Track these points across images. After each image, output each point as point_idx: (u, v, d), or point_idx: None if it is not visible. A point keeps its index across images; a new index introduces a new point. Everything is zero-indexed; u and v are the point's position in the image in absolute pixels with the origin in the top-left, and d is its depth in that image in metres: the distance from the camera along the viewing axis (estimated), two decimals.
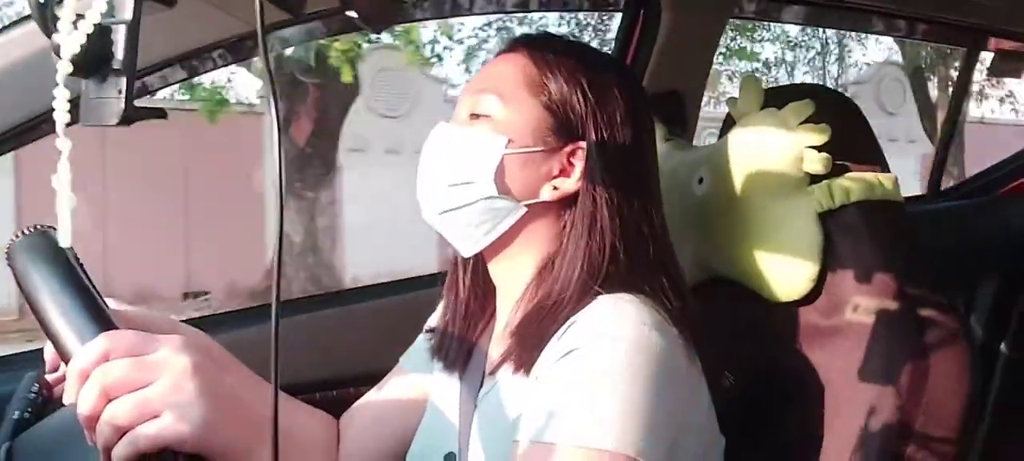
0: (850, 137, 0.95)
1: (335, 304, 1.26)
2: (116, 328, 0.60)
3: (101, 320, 0.61)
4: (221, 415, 0.58)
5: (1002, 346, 1.80)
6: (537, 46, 0.85)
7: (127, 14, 0.42)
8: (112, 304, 0.84)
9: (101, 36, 0.40)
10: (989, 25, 1.69)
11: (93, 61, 0.40)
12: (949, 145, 1.89)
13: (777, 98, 0.96)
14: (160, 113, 0.44)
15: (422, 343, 0.97)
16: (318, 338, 1.21)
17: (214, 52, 0.89)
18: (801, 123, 0.91)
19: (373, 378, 1.01)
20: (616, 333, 0.72)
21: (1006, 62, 1.80)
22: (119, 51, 0.40)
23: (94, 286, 0.67)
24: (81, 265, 0.66)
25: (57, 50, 0.40)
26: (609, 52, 0.98)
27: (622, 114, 0.83)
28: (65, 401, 0.59)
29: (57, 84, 0.40)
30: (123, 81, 0.40)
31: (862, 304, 0.89)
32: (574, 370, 0.72)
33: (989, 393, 1.79)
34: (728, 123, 1.03)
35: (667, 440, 0.73)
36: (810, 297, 0.93)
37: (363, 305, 1.26)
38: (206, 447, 0.57)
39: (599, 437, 0.69)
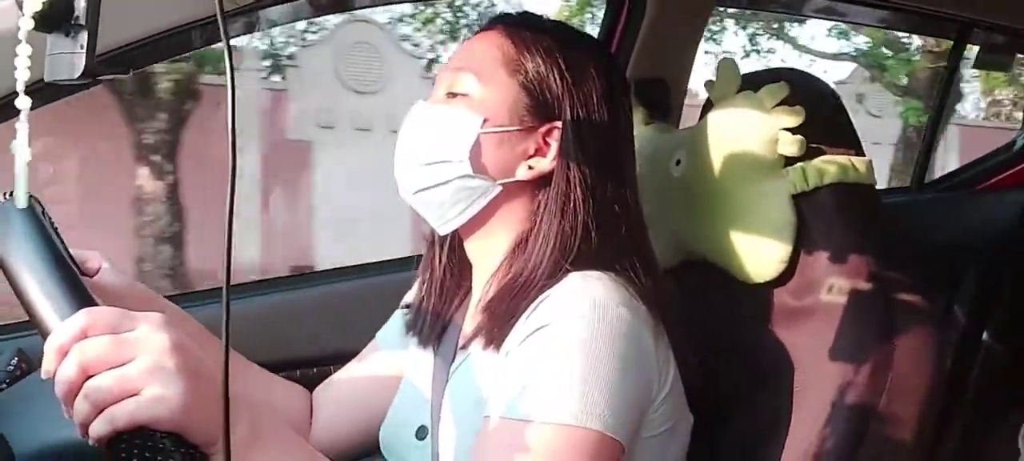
0: (825, 120, 0.96)
1: (314, 284, 1.27)
2: (95, 303, 0.61)
3: (80, 295, 0.60)
4: (199, 394, 0.58)
5: (984, 336, 1.82)
6: (515, 25, 0.86)
7: None
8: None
9: None
10: (974, 17, 1.70)
11: (56, 16, 0.41)
12: (935, 138, 1.90)
13: (754, 82, 0.97)
14: (123, 70, 0.44)
15: (398, 319, 0.98)
16: (297, 317, 1.22)
17: (180, 34, 0.89)
18: (776, 106, 0.92)
19: (351, 356, 1.02)
20: (584, 310, 0.73)
21: (991, 56, 1.81)
22: (81, 5, 0.40)
23: (72, 257, 0.67)
24: (59, 235, 0.67)
25: (20, 4, 0.40)
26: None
27: (598, 95, 0.83)
28: (43, 375, 0.59)
29: (19, 40, 0.41)
30: (85, 36, 0.41)
31: (834, 285, 0.90)
32: (543, 346, 0.73)
33: (968, 384, 1.80)
34: (707, 106, 1.04)
35: (634, 415, 0.74)
36: (783, 278, 0.94)
37: (342, 285, 1.27)
38: (184, 425, 0.57)
39: (567, 412, 0.70)
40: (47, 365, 0.58)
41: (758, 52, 7.81)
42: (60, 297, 0.60)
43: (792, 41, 7.92)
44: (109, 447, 0.57)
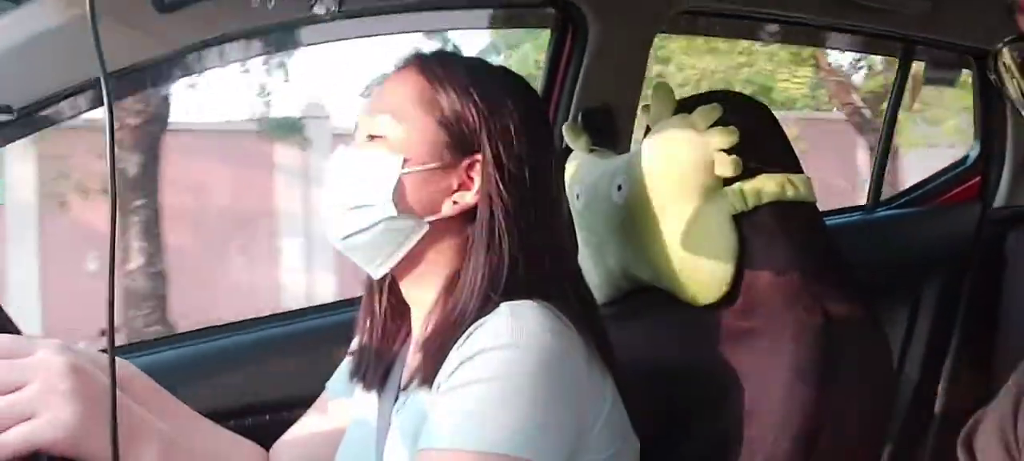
0: (762, 139, 0.97)
1: (265, 327, 1.25)
2: None
3: None
4: (97, 418, 0.57)
5: (949, 349, 1.82)
6: (428, 63, 0.86)
7: None
8: None
9: None
10: (918, 35, 1.73)
11: None
12: (887, 155, 1.92)
13: (690, 104, 0.97)
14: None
15: (345, 367, 0.96)
16: (246, 362, 1.20)
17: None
18: (710, 126, 0.93)
19: (304, 402, 1.01)
20: (512, 339, 0.73)
21: (937, 72, 1.84)
22: None
23: None
24: None
25: None
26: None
27: (516, 125, 0.83)
28: None
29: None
30: None
31: (775, 304, 0.90)
32: (470, 377, 0.73)
33: (937, 397, 1.81)
34: (646, 130, 1.04)
35: (567, 441, 0.74)
36: (728, 299, 0.94)
37: (289, 327, 1.26)
38: (79, 450, 0.57)
39: (494, 441, 0.70)
40: None
41: None
42: None
43: None
44: None
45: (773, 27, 1.72)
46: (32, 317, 5.95)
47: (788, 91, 7.56)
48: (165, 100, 5.31)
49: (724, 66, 7.23)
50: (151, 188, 5.19)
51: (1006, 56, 0.64)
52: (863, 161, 7.47)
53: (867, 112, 6.92)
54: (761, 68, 7.36)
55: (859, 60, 7.03)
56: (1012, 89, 0.64)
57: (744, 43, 6.78)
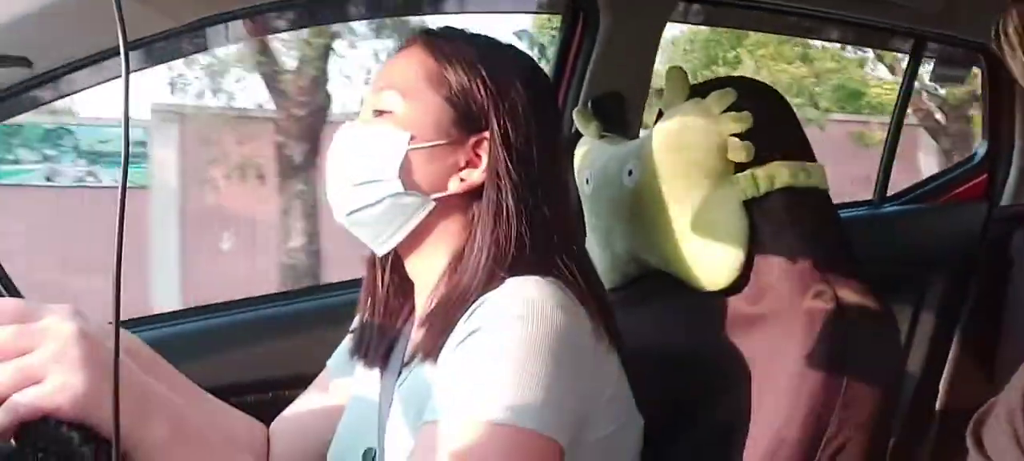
0: (775, 125, 0.96)
1: (267, 306, 1.25)
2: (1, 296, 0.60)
3: None
4: (106, 384, 0.57)
5: (952, 344, 1.82)
6: (435, 40, 0.85)
7: None
8: None
9: None
10: (928, 31, 1.73)
11: None
12: (895, 150, 1.91)
13: (704, 89, 0.97)
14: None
15: (346, 345, 0.96)
16: (249, 340, 1.20)
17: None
18: (724, 111, 0.92)
19: (305, 380, 1.01)
20: (518, 311, 0.73)
21: (946, 69, 1.84)
22: None
23: None
24: None
25: None
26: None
27: (524, 103, 0.83)
28: None
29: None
30: None
31: (785, 290, 0.90)
32: (476, 349, 0.73)
33: (938, 392, 1.81)
34: (659, 115, 1.04)
35: (573, 415, 0.74)
36: (737, 285, 0.93)
37: (294, 306, 1.26)
38: (90, 415, 0.57)
39: (499, 411, 0.69)
40: None
41: None
42: None
43: None
44: (17, 441, 0.56)
45: (782, 17, 1.71)
46: (171, 291, 6.08)
47: (880, 97, 7.74)
48: (327, 94, 5.49)
49: (813, 72, 7.29)
50: (312, 174, 5.36)
51: (1010, 25, 0.62)
52: (932, 164, 7.58)
53: (941, 118, 7.08)
54: (852, 75, 7.45)
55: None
56: (1015, 64, 0.62)
57: (834, 49, 6.85)
